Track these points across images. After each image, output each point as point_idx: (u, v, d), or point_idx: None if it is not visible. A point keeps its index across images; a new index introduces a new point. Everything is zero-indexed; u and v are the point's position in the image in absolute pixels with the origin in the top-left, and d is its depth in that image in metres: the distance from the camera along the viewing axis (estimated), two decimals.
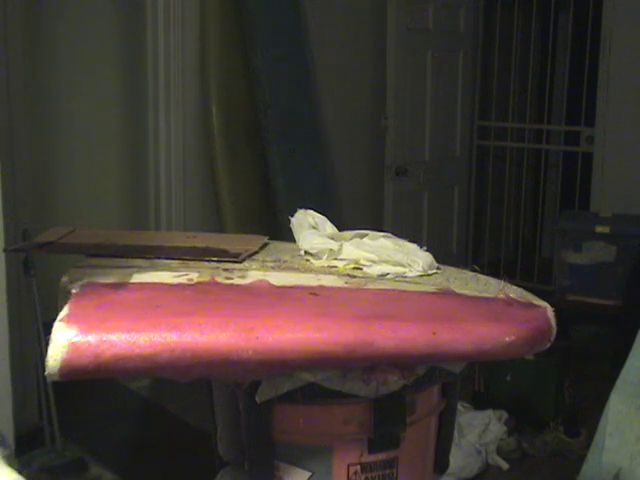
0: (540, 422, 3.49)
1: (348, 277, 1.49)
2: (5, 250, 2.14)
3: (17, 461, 2.58)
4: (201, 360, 1.19)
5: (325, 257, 1.58)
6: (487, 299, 1.40)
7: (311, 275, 1.50)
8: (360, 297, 1.40)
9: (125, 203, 3.51)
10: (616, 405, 2.26)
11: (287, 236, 1.76)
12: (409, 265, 1.52)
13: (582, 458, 2.39)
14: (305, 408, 1.30)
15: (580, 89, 5.28)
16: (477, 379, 3.64)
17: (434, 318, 1.30)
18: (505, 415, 3.45)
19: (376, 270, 1.51)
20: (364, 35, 4.58)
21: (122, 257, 1.62)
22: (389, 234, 1.65)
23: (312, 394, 1.27)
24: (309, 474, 1.32)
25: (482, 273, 1.58)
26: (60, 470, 2.90)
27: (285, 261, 1.61)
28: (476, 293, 1.42)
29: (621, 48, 4.92)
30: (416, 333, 1.24)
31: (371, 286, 1.44)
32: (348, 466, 1.33)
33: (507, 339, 1.26)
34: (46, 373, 1.16)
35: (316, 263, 1.58)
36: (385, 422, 1.31)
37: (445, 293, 1.42)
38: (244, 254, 1.63)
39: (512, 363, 3.50)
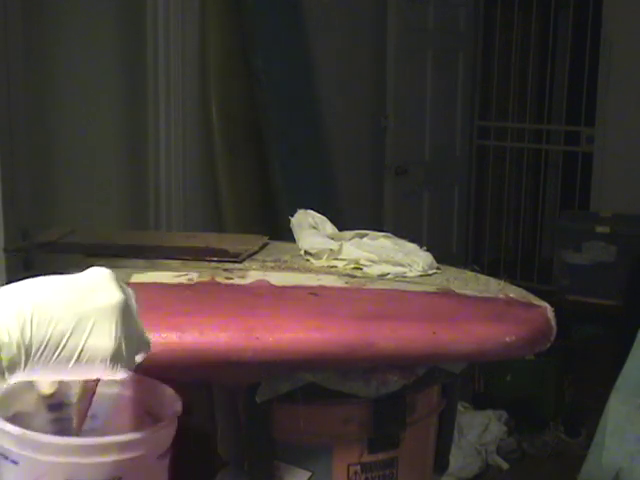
0: (540, 422, 3.49)
1: (348, 277, 1.49)
2: (5, 250, 2.14)
3: None
4: (201, 360, 1.19)
5: (325, 257, 1.58)
6: (487, 299, 1.40)
7: (311, 275, 1.50)
8: (360, 297, 1.40)
9: (125, 203, 3.51)
10: (616, 405, 2.26)
11: (287, 236, 1.76)
12: (409, 265, 1.52)
13: (582, 458, 2.39)
14: (305, 408, 1.30)
15: (580, 89, 5.29)
16: (477, 379, 3.65)
17: (434, 318, 1.30)
18: (505, 415, 3.45)
19: (376, 270, 1.51)
20: (364, 35, 4.58)
21: (122, 257, 1.62)
22: (389, 234, 1.65)
23: (312, 394, 1.27)
24: (309, 474, 1.32)
25: (482, 273, 1.58)
26: None
27: (285, 261, 1.61)
28: (476, 293, 1.42)
29: (621, 48, 4.92)
30: (416, 333, 1.24)
31: (371, 286, 1.44)
32: (348, 466, 1.33)
33: (507, 339, 1.26)
34: None
35: (316, 263, 1.58)
36: (385, 422, 1.31)
37: (445, 293, 1.42)
38: (244, 254, 1.63)
39: (512, 363, 3.50)
